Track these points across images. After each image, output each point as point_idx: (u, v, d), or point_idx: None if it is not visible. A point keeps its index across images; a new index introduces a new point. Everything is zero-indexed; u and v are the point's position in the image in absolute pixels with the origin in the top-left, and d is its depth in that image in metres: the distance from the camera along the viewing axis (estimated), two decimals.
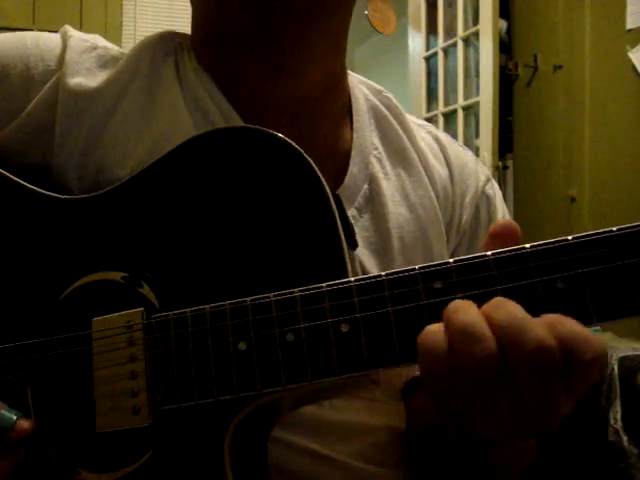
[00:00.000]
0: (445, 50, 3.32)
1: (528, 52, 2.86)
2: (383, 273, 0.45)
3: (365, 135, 0.67)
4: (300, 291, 0.46)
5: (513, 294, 0.42)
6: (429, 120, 3.42)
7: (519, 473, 0.57)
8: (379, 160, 0.66)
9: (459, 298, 0.43)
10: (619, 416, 1.39)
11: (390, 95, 0.72)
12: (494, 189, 0.72)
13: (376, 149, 0.67)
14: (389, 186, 0.65)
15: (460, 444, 0.49)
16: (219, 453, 0.46)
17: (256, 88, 0.62)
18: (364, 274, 0.59)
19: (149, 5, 3.53)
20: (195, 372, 0.46)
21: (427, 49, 3.51)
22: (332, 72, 0.65)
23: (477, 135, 3.05)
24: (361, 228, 0.62)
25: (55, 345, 0.51)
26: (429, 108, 3.48)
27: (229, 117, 0.61)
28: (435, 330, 0.41)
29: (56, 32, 0.65)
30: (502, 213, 0.71)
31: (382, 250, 0.62)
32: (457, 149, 0.73)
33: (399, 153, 0.68)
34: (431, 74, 3.47)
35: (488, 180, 0.72)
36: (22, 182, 0.55)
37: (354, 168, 0.64)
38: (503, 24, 2.93)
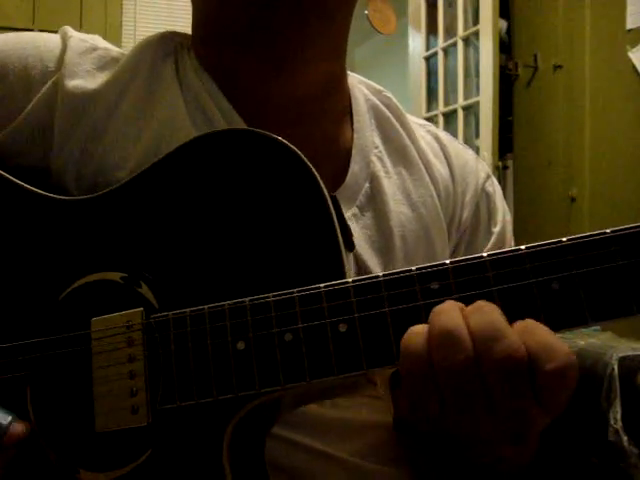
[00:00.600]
0: (445, 50, 3.32)
1: (528, 52, 2.86)
2: (380, 274, 0.45)
3: (366, 134, 0.67)
4: (298, 291, 0.46)
5: (509, 295, 0.43)
6: (429, 120, 3.42)
7: (511, 471, 0.58)
8: (380, 159, 0.66)
9: (455, 299, 0.43)
10: (619, 416, 1.39)
11: (390, 95, 0.72)
12: (494, 186, 0.72)
13: (377, 148, 0.67)
14: (390, 185, 0.65)
15: (436, 443, 0.49)
16: (218, 452, 0.46)
17: (256, 88, 0.62)
18: (366, 273, 0.59)
19: (149, 5, 3.53)
20: (194, 372, 0.47)
21: (427, 49, 3.51)
22: (332, 72, 0.65)
23: (477, 135, 3.05)
24: (363, 226, 0.63)
25: (54, 345, 0.51)
26: (429, 108, 3.48)
27: (229, 117, 0.61)
28: (417, 332, 0.42)
29: (56, 32, 0.65)
30: (502, 210, 0.72)
31: (384, 248, 0.63)
32: (457, 147, 0.73)
33: (400, 152, 0.68)
34: (431, 74, 3.47)
35: (488, 177, 0.72)
36: (21, 183, 0.55)
37: (355, 167, 0.64)
38: (503, 24, 2.93)
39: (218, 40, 0.63)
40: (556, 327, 0.42)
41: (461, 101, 3.16)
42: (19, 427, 0.48)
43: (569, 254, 0.42)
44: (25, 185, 0.55)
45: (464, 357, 0.40)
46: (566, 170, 2.61)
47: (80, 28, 0.64)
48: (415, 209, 0.65)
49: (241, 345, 0.46)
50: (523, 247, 0.43)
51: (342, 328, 0.44)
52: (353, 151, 0.65)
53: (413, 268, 0.45)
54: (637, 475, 1.36)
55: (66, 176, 0.59)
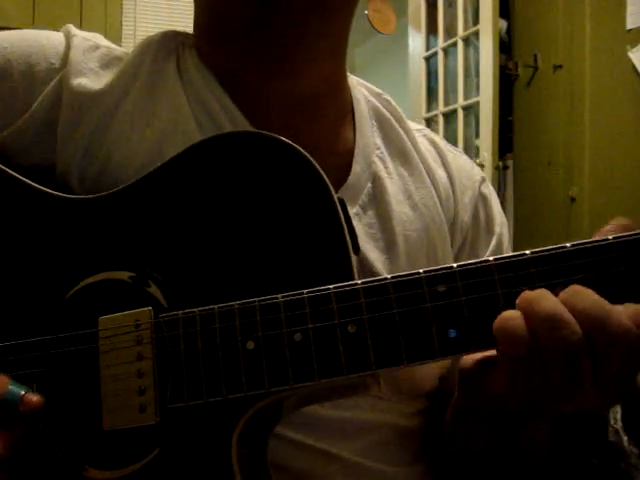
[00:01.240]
0: (445, 50, 3.32)
1: (528, 52, 2.86)
2: (389, 276, 0.46)
3: (367, 135, 0.67)
4: (308, 292, 0.46)
5: (514, 298, 0.44)
6: (429, 120, 3.43)
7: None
8: (382, 160, 0.67)
9: (462, 302, 0.44)
10: (619, 416, 1.39)
11: (389, 98, 0.72)
12: (489, 188, 0.73)
13: (378, 149, 0.67)
14: (392, 185, 0.66)
15: (525, 422, 0.52)
16: (226, 452, 0.46)
17: (258, 86, 0.62)
18: (369, 271, 0.60)
19: (149, 5, 3.53)
20: (203, 371, 0.47)
21: (427, 49, 3.51)
22: (333, 72, 0.66)
23: (477, 135, 3.05)
24: (365, 225, 0.63)
25: (62, 343, 0.51)
26: (429, 108, 3.49)
27: (232, 115, 0.61)
28: (514, 316, 0.43)
29: (57, 31, 0.65)
30: (498, 212, 0.73)
31: (387, 247, 0.63)
32: (453, 151, 0.74)
33: (401, 154, 0.68)
34: (431, 74, 3.47)
35: (483, 180, 0.73)
36: (29, 182, 0.55)
37: (357, 167, 0.65)
38: (503, 24, 2.94)
39: (220, 39, 0.63)
40: None
41: (461, 101, 3.16)
42: (35, 397, 0.48)
43: (573, 259, 0.44)
44: (33, 183, 0.55)
45: (575, 338, 0.42)
46: (566, 170, 2.62)
47: (80, 28, 0.64)
48: (416, 210, 0.66)
49: (250, 345, 0.46)
50: (528, 252, 0.45)
51: (351, 329, 0.45)
52: (355, 151, 0.65)
53: (421, 271, 0.46)
54: (637, 475, 1.36)
55: (70, 175, 0.59)
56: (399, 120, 0.70)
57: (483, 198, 0.72)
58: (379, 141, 0.68)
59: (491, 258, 0.45)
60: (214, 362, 0.47)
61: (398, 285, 0.45)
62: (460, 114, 3.17)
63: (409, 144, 0.69)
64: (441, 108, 3.32)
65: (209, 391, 0.47)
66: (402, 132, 0.69)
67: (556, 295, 0.43)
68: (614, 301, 0.43)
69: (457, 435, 0.62)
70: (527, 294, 0.43)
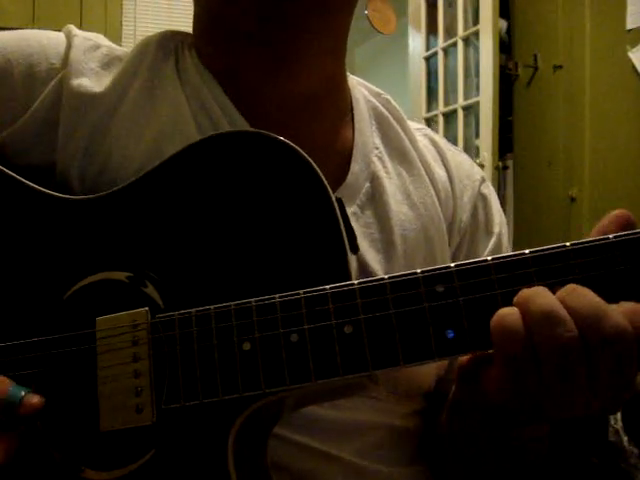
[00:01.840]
0: (445, 50, 3.32)
1: (528, 52, 2.86)
2: (386, 276, 0.46)
3: (366, 135, 0.67)
4: (304, 293, 0.46)
5: (512, 298, 0.43)
6: (429, 120, 3.43)
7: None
8: (380, 159, 0.67)
9: (460, 302, 0.44)
10: (619, 416, 1.39)
11: (389, 97, 0.72)
12: (489, 188, 0.73)
13: (377, 149, 0.67)
14: (391, 185, 0.66)
15: (521, 422, 0.51)
16: (222, 452, 0.46)
17: (257, 86, 0.62)
18: (367, 270, 0.60)
19: (149, 5, 3.53)
20: (200, 371, 0.47)
21: (427, 49, 3.51)
22: (333, 71, 0.66)
23: (477, 135, 3.05)
24: (363, 225, 0.63)
25: (59, 344, 0.51)
26: (429, 108, 3.49)
27: (231, 115, 0.61)
28: (510, 313, 0.43)
29: (58, 31, 0.65)
30: (498, 212, 0.73)
31: (385, 247, 0.63)
32: (453, 150, 0.74)
33: (400, 153, 0.68)
34: (431, 74, 3.47)
35: (483, 180, 0.73)
36: (27, 182, 0.55)
37: (356, 166, 0.65)
38: (503, 24, 2.94)
39: (219, 38, 0.63)
40: None
41: (461, 101, 3.16)
42: (34, 398, 0.47)
43: (572, 258, 0.43)
44: (31, 184, 0.55)
45: (569, 336, 0.41)
46: (566, 170, 2.62)
47: (80, 27, 0.64)
48: (415, 209, 0.66)
49: (247, 345, 0.46)
50: (527, 251, 0.44)
51: (348, 329, 0.45)
52: (354, 151, 0.65)
53: (418, 271, 0.45)
54: (637, 475, 1.36)
55: (70, 175, 0.59)
56: (398, 119, 0.70)
57: (483, 198, 0.71)
58: (378, 141, 0.68)
59: (489, 258, 0.45)
60: (210, 363, 0.47)
61: (395, 285, 0.45)
62: (460, 114, 3.17)
63: (408, 143, 0.69)
64: (441, 108, 3.32)
65: (205, 392, 0.46)
66: (401, 131, 0.69)
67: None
68: (614, 301, 0.42)
69: (454, 433, 0.62)
70: (524, 291, 0.43)
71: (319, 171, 0.49)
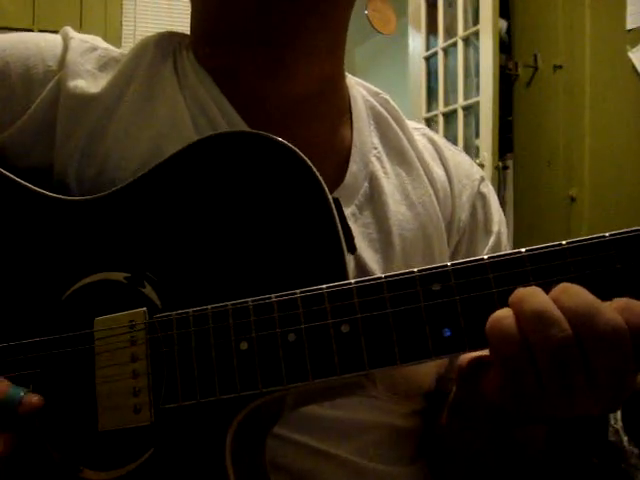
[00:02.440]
0: (445, 50, 3.32)
1: (528, 52, 2.86)
2: (382, 275, 0.46)
3: (364, 134, 0.67)
4: (301, 292, 0.46)
5: (509, 296, 0.43)
6: (429, 120, 3.43)
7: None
8: (379, 159, 0.67)
9: (457, 300, 0.44)
10: (619, 416, 1.39)
11: (388, 97, 0.72)
12: (488, 188, 0.73)
13: (375, 149, 0.67)
14: (389, 184, 0.66)
15: (520, 422, 0.51)
16: (220, 452, 0.46)
17: (255, 87, 0.62)
18: (365, 270, 0.60)
19: (149, 5, 3.53)
20: (197, 371, 0.47)
21: (427, 49, 3.51)
22: (330, 71, 0.66)
23: (477, 135, 3.05)
24: (362, 225, 0.63)
25: (57, 344, 0.51)
26: (429, 108, 3.49)
27: (229, 115, 0.61)
28: (504, 315, 0.43)
29: (56, 32, 0.65)
30: (498, 211, 0.73)
31: (384, 247, 0.63)
32: (452, 150, 0.74)
33: (398, 153, 0.68)
34: (431, 74, 3.47)
35: (482, 179, 0.73)
36: (25, 183, 0.55)
37: (354, 166, 0.65)
38: (503, 24, 2.94)
39: (216, 40, 0.63)
40: None
41: (461, 101, 3.16)
42: (33, 398, 0.48)
43: (568, 257, 0.43)
44: (29, 185, 0.55)
45: (563, 335, 0.41)
46: (566, 170, 2.61)
47: (80, 28, 0.65)
48: (413, 209, 0.66)
49: (244, 345, 0.46)
50: (523, 250, 0.44)
51: (345, 329, 0.45)
52: (352, 151, 0.66)
53: (415, 270, 0.45)
54: (637, 475, 1.36)
55: (68, 177, 0.59)
56: (397, 119, 0.70)
57: (482, 197, 0.72)
58: (376, 140, 0.68)
59: (486, 257, 0.45)
60: (208, 362, 0.47)
61: (392, 284, 0.45)
62: (460, 114, 3.17)
63: (407, 143, 0.69)
64: (441, 108, 3.32)
65: (203, 391, 0.46)
66: (400, 131, 0.69)
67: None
68: (610, 299, 0.42)
69: (454, 433, 0.62)
70: (518, 292, 0.43)
71: (316, 172, 0.49)
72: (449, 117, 3.32)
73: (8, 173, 0.56)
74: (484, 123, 2.91)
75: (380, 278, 0.45)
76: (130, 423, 0.48)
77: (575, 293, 0.42)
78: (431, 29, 3.45)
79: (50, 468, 0.50)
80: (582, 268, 0.43)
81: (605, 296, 0.42)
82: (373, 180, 0.65)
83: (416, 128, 0.74)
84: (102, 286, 0.51)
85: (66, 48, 0.62)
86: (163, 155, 0.53)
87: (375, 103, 0.71)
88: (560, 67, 2.65)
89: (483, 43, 2.91)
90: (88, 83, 0.61)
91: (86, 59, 0.62)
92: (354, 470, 0.60)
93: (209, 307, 0.48)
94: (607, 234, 0.43)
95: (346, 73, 0.70)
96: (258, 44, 0.61)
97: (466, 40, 3.14)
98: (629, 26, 2.31)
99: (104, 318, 0.50)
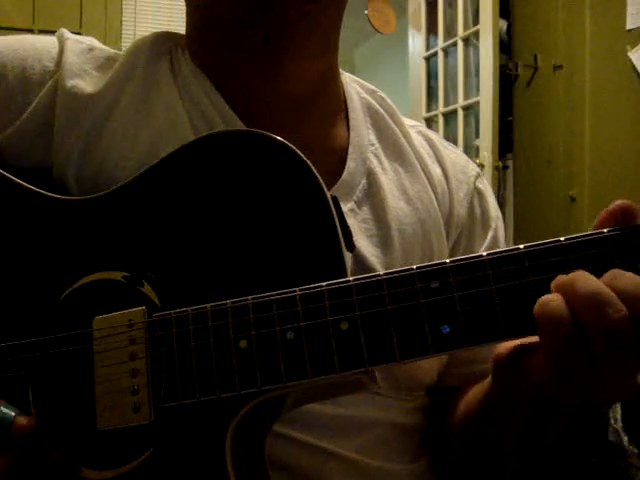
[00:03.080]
0: (445, 50, 3.32)
1: (528, 52, 2.86)
2: (381, 272, 0.46)
3: (361, 131, 0.68)
4: (300, 290, 0.46)
5: (507, 293, 0.44)
6: (429, 120, 3.43)
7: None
8: (376, 156, 0.67)
9: (455, 297, 0.44)
10: (619, 416, 1.39)
11: (384, 95, 0.73)
12: (484, 184, 0.74)
13: (373, 145, 0.68)
14: (387, 181, 0.66)
15: (563, 410, 0.51)
16: (220, 450, 0.46)
17: (250, 86, 0.63)
18: (365, 266, 0.60)
19: (149, 5, 3.53)
20: (196, 370, 0.47)
21: (427, 49, 3.51)
22: (325, 69, 0.66)
23: (477, 135, 3.05)
24: (360, 221, 0.63)
25: (56, 344, 0.51)
26: (429, 108, 3.49)
27: (226, 115, 0.61)
28: (552, 299, 0.42)
29: (54, 33, 0.65)
30: (493, 207, 0.73)
31: (383, 242, 0.63)
32: (447, 147, 0.74)
33: (395, 149, 0.69)
34: (431, 74, 3.47)
35: (478, 176, 0.73)
36: (24, 183, 0.55)
37: (352, 163, 0.65)
38: (503, 24, 2.94)
39: (211, 39, 0.63)
40: None
41: (461, 101, 3.16)
42: (24, 420, 0.48)
43: (567, 253, 0.43)
44: (27, 185, 0.55)
45: (619, 315, 0.40)
46: (566, 170, 2.62)
47: (80, 28, 0.65)
48: (412, 204, 0.66)
49: (243, 343, 0.46)
50: (522, 246, 0.44)
51: (344, 326, 0.45)
52: (349, 148, 0.66)
53: (414, 267, 0.45)
54: (637, 475, 1.36)
55: (66, 176, 0.59)
56: (393, 116, 0.71)
57: (478, 193, 0.72)
58: (373, 137, 0.68)
59: (484, 253, 0.45)
60: (207, 361, 0.47)
61: (390, 282, 0.45)
62: (460, 114, 3.17)
63: (403, 140, 0.69)
64: (441, 108, 3.32)
65: (202, 390, 0.46)
66: (396, 128, 0.70)
67: None
68: None
69: (484, 433, 0.61)
70: (563, 277, 0.43)
71: (314, 169, 0.49)
72: (449, 117, 3.32)
73: (7, 173, 0.56)
74: (484, 123, 2.91)
75: (379, 275, 0.45)
76: (129, 422, 0.48)
77: (626, 276, 0.42)
78: (431, 29, 3.45)
79: (50, 467, 0.49)
80: (581, 264, 0.43)
81: None
82: (371, 176, 0.65)
83: (412, 126, 0.74)
84: (101, 285, 0.51)
85: (62, 49, 0.62)
86: (161, 154, 0.54)
87: (371, 100, 0.71)
88: (560, 67, 2.65)
89: (483, 43, 2.91)
90: (85, 83, 0.61)
91: (83, 59, 0.62)
92: (355, 468, 0.60)
93: (208, 305, 0.48)
94: (605, 230, 0.43)
95: (341, 70, 0.70)
96: (250, 44, 0.61)
97: (466, 40, 3.15)
98: (629, 26, 2.31)
99: (103, 317, 0.50)
